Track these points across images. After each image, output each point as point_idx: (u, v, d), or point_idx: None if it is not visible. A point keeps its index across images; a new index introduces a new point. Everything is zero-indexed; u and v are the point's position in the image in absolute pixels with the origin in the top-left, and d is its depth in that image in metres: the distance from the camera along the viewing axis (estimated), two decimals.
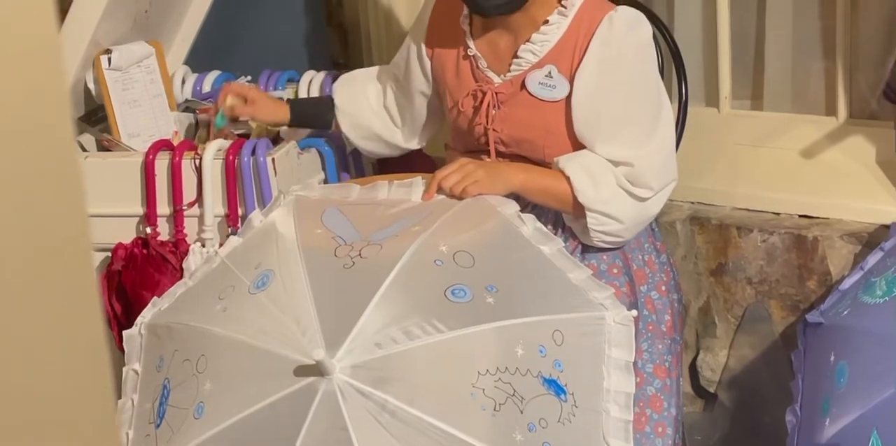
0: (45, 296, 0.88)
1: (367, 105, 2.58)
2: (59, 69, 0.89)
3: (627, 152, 2.25)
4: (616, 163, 2.26)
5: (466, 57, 2.36)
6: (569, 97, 2.27)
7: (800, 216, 2.77)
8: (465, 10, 2.35)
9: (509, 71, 2.32)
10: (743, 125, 2.91)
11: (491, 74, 2.33)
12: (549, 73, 2.28)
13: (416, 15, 2.57)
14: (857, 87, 2.79)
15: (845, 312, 2.28)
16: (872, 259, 2.38)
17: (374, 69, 2.66)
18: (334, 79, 2.98)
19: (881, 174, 2.71)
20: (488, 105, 2.32)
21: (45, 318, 0.89)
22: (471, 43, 2.35)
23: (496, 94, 2.32)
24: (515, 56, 2.31)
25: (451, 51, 2.38)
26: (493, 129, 2.34)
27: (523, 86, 2.30)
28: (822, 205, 2.74)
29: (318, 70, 3.04)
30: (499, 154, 2.36)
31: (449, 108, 2.41)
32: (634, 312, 2.03)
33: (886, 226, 2.57)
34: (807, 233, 2.69)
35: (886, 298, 2.20)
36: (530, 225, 2.14)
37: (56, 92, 0.88)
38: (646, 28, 2.28)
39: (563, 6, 2.28)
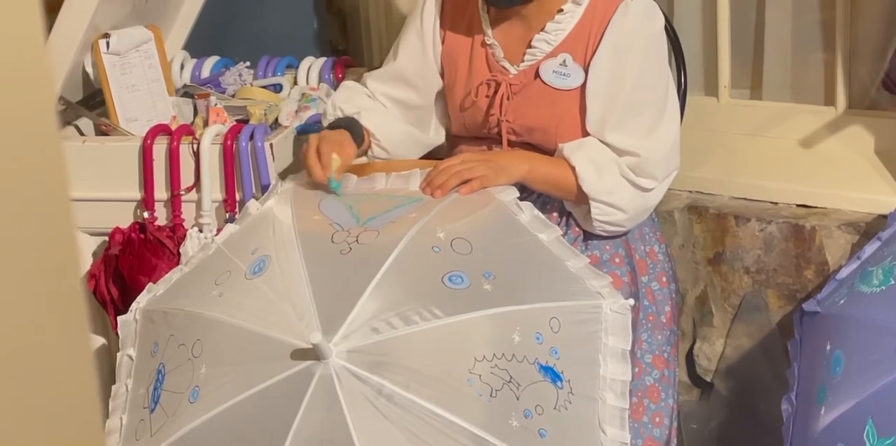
0: (27, 283, 0.87)
1: (395, 124, 2.44)
2: (42, 52, 0.88)
3: (634, 141, 2.25)
4: (622, 153, 2.26)
5: (483, 45, 2.34)
6: (583, 86, 2.27)
7: (797, 205, 2.76)
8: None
9: (523, 61, 2.31)
10: (742, 114, 2.91)
11: (506, 65, 2.33)
12: (564, 61, 2.28)
13: (415, 1, 2.54)
14: (857, 76, 2.78)
15: (842, 301, 2.28)
16: (869, 248, 2.37)
17: (367, 88, 2.46)
18: (333, 65, 2.98)
19: (879, 164, 2.71)
20: (502, 96, 2.31)
21: (28, 306, 0.87)
22: (489, 31, 2.34)
23: (510, 85, 2.31)
24: (529, 46, 2.30)
25: (466, 37, 2.37)
26: (507, 120, 2.33)
27: (537, 75, 2.29)
28: (819, 195, 2.74)
29: (317, 56, 3.04)
30: (509, 143, 2.35)
31: (458, 97, 2.38)
32: (631, 301, 2.03)
33: (884, 216, 2.56)
34: (804, 222, 2.69)
35: (883, 287, 2.20)
36: (528, 212, 2.14)
37: (40, 75, 0.87)
38: (660, 18, 2.29)
39: None
